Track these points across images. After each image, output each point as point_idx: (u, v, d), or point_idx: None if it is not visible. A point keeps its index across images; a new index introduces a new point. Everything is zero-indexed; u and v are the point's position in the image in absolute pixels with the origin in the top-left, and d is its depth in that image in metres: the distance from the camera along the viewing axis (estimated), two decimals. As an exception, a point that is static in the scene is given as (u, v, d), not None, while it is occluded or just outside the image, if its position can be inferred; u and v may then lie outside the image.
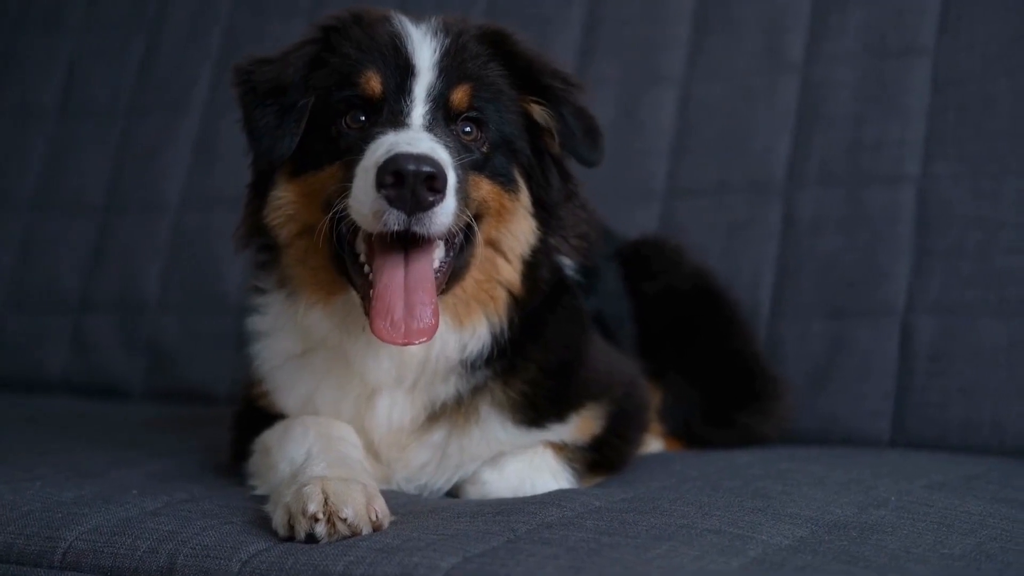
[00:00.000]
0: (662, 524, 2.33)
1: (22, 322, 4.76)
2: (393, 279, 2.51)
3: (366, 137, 2.54)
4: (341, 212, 2.50)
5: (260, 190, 2.73)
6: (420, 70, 2.60)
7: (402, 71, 2.61)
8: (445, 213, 2.45)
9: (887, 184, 3.77)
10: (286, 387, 2.83)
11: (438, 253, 2.57)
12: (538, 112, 2.72)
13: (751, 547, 2.23)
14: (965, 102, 3.74)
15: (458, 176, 2.49)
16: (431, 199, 2.41)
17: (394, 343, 2.48)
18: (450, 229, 2.49)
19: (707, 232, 3.95)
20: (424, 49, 2.63)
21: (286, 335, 2.81)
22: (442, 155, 2.46)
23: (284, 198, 2.67)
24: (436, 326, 2.50)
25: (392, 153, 2.41)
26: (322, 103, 2.65)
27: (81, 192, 4.83)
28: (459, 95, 2.62)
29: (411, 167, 2.38)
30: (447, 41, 2.65)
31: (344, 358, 2.73)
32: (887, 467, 3.03)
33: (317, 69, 2.67)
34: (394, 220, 2.43)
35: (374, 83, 2.60)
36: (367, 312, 2.52)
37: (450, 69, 2.62)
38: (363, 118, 2.60)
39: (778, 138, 3.96)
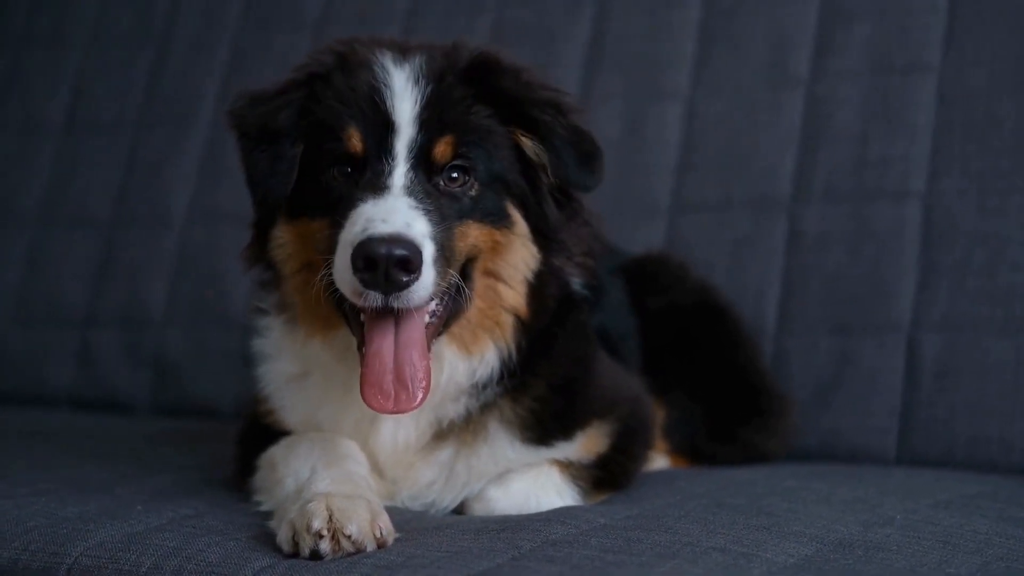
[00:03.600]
0: (667, 542, 2.33)
1: (27, 336, 4.76)
2: (383, 346, 2.51)
3: (350, 199, 2.53)
4: (330, 275, 2.51)
5: (263, 226, 2.74)
6: (400, 126, 2.57)
7: (382, 128, 2.57)
8: (423, 287, 2.44)
9: (892, 200, 3.77)
10: (289, 407, 2.84)
11: (430, 305, 2.56)
12: (528, 146, 2.68)
13: (755, 566, 2.23)
14: (971, 119, 3.74)
15: (440, 240, 2.48)
16: (405, 280, 2.41)
17: (385, 412, 2.51)
18: (432, 294, 2.49)
19: (712, 248, 3.95)
20: (405, 102, 2.58)
21: (287, 357, 2.82)
22: (419, 228, 2.45)
23: (283, 238, 2.69)
24: (428, 391, 2.51)
25: (364, 235, 2.40)
26: (312, 152, 2.65)
27: (87, 207, 4.83)
28: (442, 148, 2.59)
29: (383, 251, 2.38)
30: (429, 89, 2.60)
31: (343, 382, 2.73)
32: (893, 485, 3.03)
33: (305, 117, 2.67)
34: (372, 299, 2.44)
35: (355, 141, 2.58)
36: (361, 362, 2.53)
37: (431, 121, 2.58)
38: (349, 171, 2.59)
39: (783, 154, 3.96)
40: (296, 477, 2.61)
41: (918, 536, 2.47)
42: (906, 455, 3.58)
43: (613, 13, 4.35)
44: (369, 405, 2.49)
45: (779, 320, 3.82)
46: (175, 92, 4.89)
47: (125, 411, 4.54)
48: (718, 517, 2.52)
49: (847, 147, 3.88)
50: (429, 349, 2.56)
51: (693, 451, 3.42)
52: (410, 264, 2.39)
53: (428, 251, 2.44)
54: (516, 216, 2.67)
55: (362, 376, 2.50)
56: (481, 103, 2.65)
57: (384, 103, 2.59)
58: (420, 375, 2.50)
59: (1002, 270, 3.58)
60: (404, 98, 2.59)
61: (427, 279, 2.44)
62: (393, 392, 2.48)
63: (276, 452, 2.76)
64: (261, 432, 2.86)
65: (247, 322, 3.17)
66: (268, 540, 2.41)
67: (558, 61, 4.27)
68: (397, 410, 2.49)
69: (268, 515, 2.56)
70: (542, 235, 2.70)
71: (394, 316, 2.51)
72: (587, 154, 2.70)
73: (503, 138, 2.66)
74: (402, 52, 2.68)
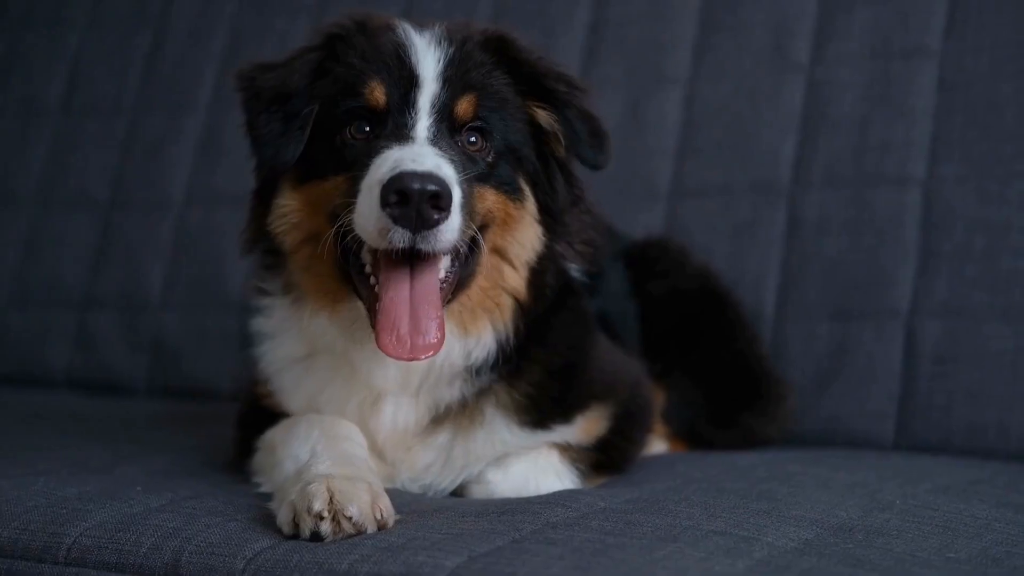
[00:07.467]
0: (667, 525, 2.33)
1: (26, 318, 4.76)
2: (399, 293, 2.51)
3: (371, 151, 2.53)
4: (346, 226, 2.50)
5: (264, 197, 2.73)
6: (424, 81, 2.59)
7: (406, 82, 2.59)
8: (451, 230, 2.45)
9: (893, 186, 3.76)
10: (290, 389, 2.83)
11: (444, 262, 2.57)
12: (543, 117, 2.71)
13: (756, 549, 2.23)
14: (971, 104, 3.74)
15: (463, 191, 2.49)
16: (436, 217, 2.41)
17: (400, 358, 2.49)
18: (457, 242, 2.49)
19: (712, 233, 3.95)
20: (428, 59, 2.61)
21: (290, 338, 2.82)
22: (447, 171, 2.46)
23: (288, 206, 2.67)
24: (443, 340, 2.51)
25: (397, 171, 2.41)
26: (326, 112, 2.64)
27: (85, 189, 4.83)
28: (464, 105, 2.61)
29: (416, 186, 2.38)
30: (451, 50, 2.64)
31: (349, 363, 2.73)
32: (892, 470, 3.03)
33: (321, 78, 2.67)
34: (399, 238, 2.43)
35: (378, 94, 2.59)
36: (373, 325, 2.52)
37: (454, 79, 2.61)
38: (367, 128, 2.60)
39: (783, 139, 3.96)
40: (296, 459, 2.60)
41: (918, 521, 2.47)
42: (904, 441, 3.58)
43: (613, -3, 4.35)
44: (384, 350, 2.48)
45: (778, 305, 3.82)
46: (173, 75, 4.89)
47: (123, 393, 4.54)
48: (719, 501, 2.52)
49: (847, 132, 3.87)
50: (442, 307, 2.55)
51: (692, 435, 3.42)
52: (442, 201, 2.40)
53: (456, 194, 2.45)
54: (527, 191, 2.69)
55: (377, 323, 2.50)
56: (499, 71, 2.68)
57: (409, 58, 2.61)
58: (435, 325, 2.50)
59: (1002, 256, 3.58)
60: (428, 55, 2.62)
61: (455, 222, 2.45)
62: (409, 339, 2.48)
63: (275, 434, 2.76)
64: (260, 414, 2.86)
65: (245, 302, 3.16)
66: (268, 521, 2.41)
67: (558, 45, 4.26)
68: (412, 356, 2.48)
69: (268, 496, 2.56)
70: (549, 215, 2.71)
71: (409, 269, 2.51)
72: (597, 132, 2.73)
73: (518, 110, 2.69)
74: (419, 23, 2.72)
